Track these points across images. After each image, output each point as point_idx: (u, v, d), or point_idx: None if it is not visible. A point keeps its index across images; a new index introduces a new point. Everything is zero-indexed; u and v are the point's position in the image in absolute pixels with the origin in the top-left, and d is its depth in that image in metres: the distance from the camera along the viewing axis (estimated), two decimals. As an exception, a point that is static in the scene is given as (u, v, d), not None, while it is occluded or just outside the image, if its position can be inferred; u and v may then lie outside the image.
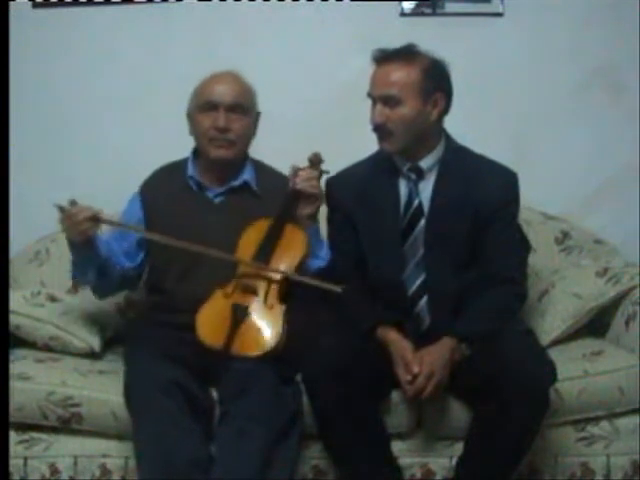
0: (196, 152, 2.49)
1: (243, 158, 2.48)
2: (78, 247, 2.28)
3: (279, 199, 2.34)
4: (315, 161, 2.36)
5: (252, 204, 2.43)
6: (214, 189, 2.45)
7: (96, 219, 2.22)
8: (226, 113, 2.36)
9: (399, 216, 2.33)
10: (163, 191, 2.46)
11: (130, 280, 2.47)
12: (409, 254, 2.31)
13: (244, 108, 2.39)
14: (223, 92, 2.38)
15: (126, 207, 2.51)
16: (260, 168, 2.52)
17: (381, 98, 2.24)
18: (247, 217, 2.37)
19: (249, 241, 2.33)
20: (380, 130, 2.26)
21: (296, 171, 2.32)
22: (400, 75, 2.23)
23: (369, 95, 2.27)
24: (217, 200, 2.46)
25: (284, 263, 2.30)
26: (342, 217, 2.40)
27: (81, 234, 2.22)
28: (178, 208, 2.42)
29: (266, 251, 2.29)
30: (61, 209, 2.21)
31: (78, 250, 2.29)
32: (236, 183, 2.45)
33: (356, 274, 2.35)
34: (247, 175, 2.46)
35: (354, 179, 2.41)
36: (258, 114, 2.48)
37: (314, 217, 2.38)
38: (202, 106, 2.39)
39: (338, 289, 2.19)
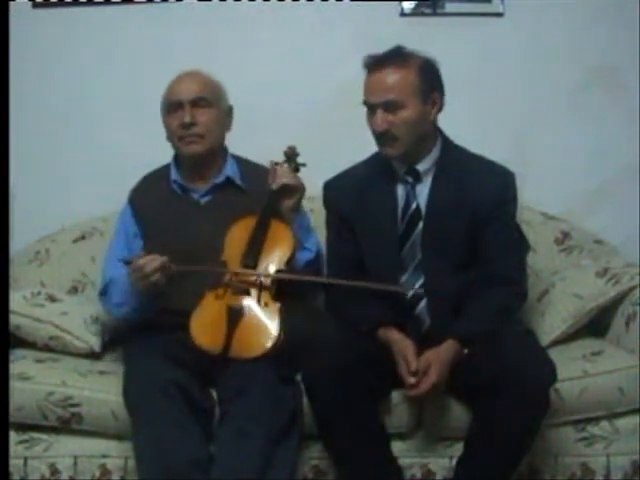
0: (177, 158, 2.51)
1: (223, 155, 2.50)
2: (145, 294, 2.27)
3: (265, 193, 2.35)
4: (291, 154, 2.39)
5: (239, 200, 2.44)
6: (198, 190, 2.47)
7: (166, 268, 2.21)
8: (190, 109, 2.38)
9: (397, 220, 2.32)
10: (151, 199, 2.48)
11: None
12: (408, 258, 2.31)
13: (208, 100, 2.42)
14: (184, 89, 2.42)
15: (119, 220, 2.52)
16: (243, 164, 2.53)
17: (381, 104, 2.21)
18: (235, 214, 2.38)
19: (235, 240, 2.33)
20: (383, 136, 2.24)
21: (274, 168, 2.34)
22: (397, 78, 2.21)
23: (365, 103, 2.25)
24: (203, 200, 2.47)
25: (273, 261, 2.30)
26: (340, 220, 2.39)
27: (153, 285, 2.21)
28: (166, 213, 2.43)
29: (254, 251, 2.30)
30: (127, 263, 2.23)
31: (144, 296, 2.28)
32: (219, 180, 2.46)
33: (355, 276, 2.34)
34: (229, 171, 2.48)
35: (351, 182, 2.40)
36: (230, 108, 2.50)
37: (297, 209, 2.39)
38: (168, 108, 2.43)
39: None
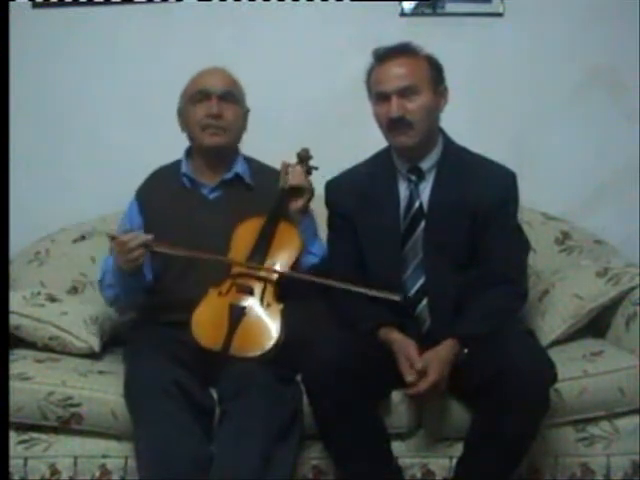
0: (189, 152, 2.52)
1: (235, 153, 2.51)
2: (127, 274, 2.29)
3: (274, 193, 2.36)
4: (304, 157, 2.40)
5: (247, 198, 2.45)
6: (208, 185, 2.47)
7: (147, 246, 2.23)
8: (218, 101, 2.40)
9: (399, 218, 2.32)
10: (159, 192, 2.49)
11: (148, 290, 2.46)
12: (409, 256, 2.31)
13: (235, 96, 2.44)
14: (214, 81, 2.44)
15: (125, 213, 2.53)
16: (254, 163, 2.54)
17: (398, 91, 2.23)
18: (243, 212, 2.38)
19: (242, 240, 2.33)
20: (399, 124, 2.24)
21: (286, 168, 2.35)
22: (413, 67, 2.25)
23: (378, 93, 2.26)
24: (212, 196, 2.48)
25: (279, 262, 2.30)
26: (342, 220, 2.40)
27: (133, 262, 2.24)
28: (174, 207, 2.44)
29: (261, 250, 2.30)
30: (112, 238, 2.26)
31: (127, 277, 2.30)
32: (228, 176, 2.47)
33: (356, 276, 2.35)
34: (239, 168, 2.49)
35: (354, 182, 2.40)
36: (248, 111, 2.51)
37: (305, 211, 2.39)
38: (194, 97, 2.43)
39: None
